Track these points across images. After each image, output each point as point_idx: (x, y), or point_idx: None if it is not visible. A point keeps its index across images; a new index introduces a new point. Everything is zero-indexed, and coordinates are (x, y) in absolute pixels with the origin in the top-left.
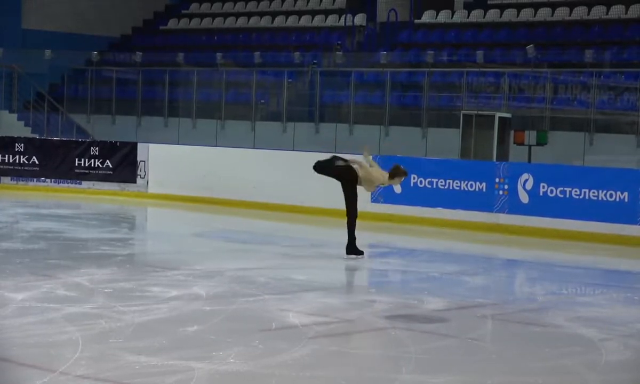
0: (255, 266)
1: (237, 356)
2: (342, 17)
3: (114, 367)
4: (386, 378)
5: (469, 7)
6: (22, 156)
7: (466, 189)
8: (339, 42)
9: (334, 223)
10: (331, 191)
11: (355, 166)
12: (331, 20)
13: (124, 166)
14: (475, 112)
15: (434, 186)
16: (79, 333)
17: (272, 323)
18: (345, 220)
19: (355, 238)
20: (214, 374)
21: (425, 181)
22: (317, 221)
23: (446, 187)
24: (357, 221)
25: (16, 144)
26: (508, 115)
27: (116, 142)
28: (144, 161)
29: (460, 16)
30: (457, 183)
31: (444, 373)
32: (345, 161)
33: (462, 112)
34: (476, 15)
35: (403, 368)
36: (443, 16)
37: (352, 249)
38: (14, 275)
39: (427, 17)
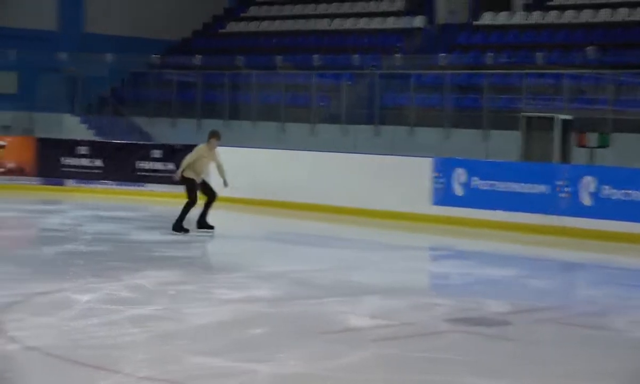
0: (317, 268)
1: (298, 358)
2: (401, 20)
3: (177, 369)
4: (446, 381)
5: (528, 9)
6: (85, 159)
7: (527, 191)
8: (398, 45)
9: (398, 226)
10: (395, 193)
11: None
12: (390, 23)
13: None
14: (536, 114)
15: (495, 189)
16: (142, 335)
17: (333, 325)
18: None
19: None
20: (276, 377)
21: (486, 183)
22: (379, 223)
23: (507, 189)
24: (418, 223)
25: (79, 147)
26: (569, 117)
27: (177, 144)
28: None
29: (519, 17)
30: (518, 186)
31: (503, 376)
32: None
33: (523, 114)
34: (535, 17)
35: (463, 372)
36: (502, 18)
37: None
38: (78, 277)
39: (486, 18)
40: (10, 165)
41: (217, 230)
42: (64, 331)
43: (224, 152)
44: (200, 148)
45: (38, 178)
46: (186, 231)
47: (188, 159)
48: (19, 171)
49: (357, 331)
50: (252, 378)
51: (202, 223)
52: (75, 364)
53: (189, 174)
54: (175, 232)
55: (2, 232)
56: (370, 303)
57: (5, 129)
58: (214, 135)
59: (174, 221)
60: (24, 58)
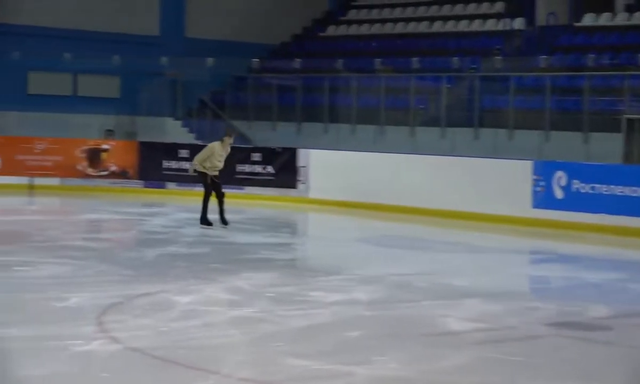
0: (415, 271)
1: (397, 361)
2: (501, 22)
3: (276, 370)
4: None
5: (630, 9)
6: (186, 162)
7: (629, 194)
8: (498, 47)
9: (498, 229)
10: (494, 196)
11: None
12: (490, 25)
13: (285, 171)
14: (638, 116)
15: (596, 192)
16: (241, 336)
17: (432, 328)
18: None
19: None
20: (374, 379)
21: (587, 186)
22: (476, 226)
23: (609, 192)
24: (518, 227)
25: (180, 150)
26: None
27: (277, 148)
28: (305, 167)
29: (621, 18)
30: (620, 189)
31: (603, 381)
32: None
33: (625, 116)
34: (638, 17)
35: (563, 376)
36: (604, 19)
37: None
38: (179, 279)
39: (588, 20)
40: (114, 168)
41: (316, 232)
42: (164, 332)
43: (324, 155)
44: (213, 145)
45: (140, 181)
46: (210, 224)
47: (200, 156)
48: (122, 174)
49: (457, 334)
50: (351, 381)
51: (221, 220)
52: (175, 364)
53: (201, 169)
54: (203, 226)
55: (105, 235)
56: (470, 306)
57: (109, 133)
58: (228, 133)
59: (271, 222)
60: (127, 63)
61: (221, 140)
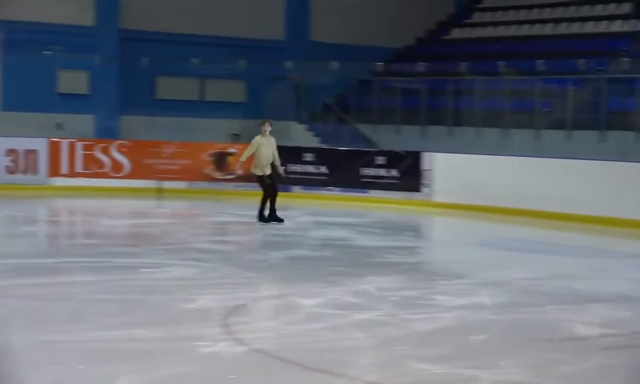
0: (540, 275)
1: (521, 366)
2: (628, 23)
3: (401, 374)
4: None
5: None
6: (310, 165)
7: None
8: (625, 48)
9: (625, 234)
10: (622, 200)
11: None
12: (617, 26)
13: (409, 175)
14: None
15: None
16: (366, 340)
17: (557, 333)
18: None
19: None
20: None
21: None
22: (601, 230)
23: None
24: None
25: (305, 154)
26: None
27: (401, 151)
28: (430, 170)
29: None
30: None
31: None
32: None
33: None
34: None
35: None
36: None
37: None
38: (303, 281)
39: None
40: (240, 172)
41: (440, 236)
42: (288, 334)
43: (449, 158)
44: (255, 139)
45: None
46: (267, 221)
47: (247, 152)
48: (248, 178)
49: (583, 339)
50: None
51: (273, 217)
52: (300, 367)
53: (256, 171)
54: (261, 224)
55: (231, 237)
56: (596, 311)
57: (235, 137)
58: (263, 122)
59: (395, 226)
60: (252, 67)
61: (261, 133)
